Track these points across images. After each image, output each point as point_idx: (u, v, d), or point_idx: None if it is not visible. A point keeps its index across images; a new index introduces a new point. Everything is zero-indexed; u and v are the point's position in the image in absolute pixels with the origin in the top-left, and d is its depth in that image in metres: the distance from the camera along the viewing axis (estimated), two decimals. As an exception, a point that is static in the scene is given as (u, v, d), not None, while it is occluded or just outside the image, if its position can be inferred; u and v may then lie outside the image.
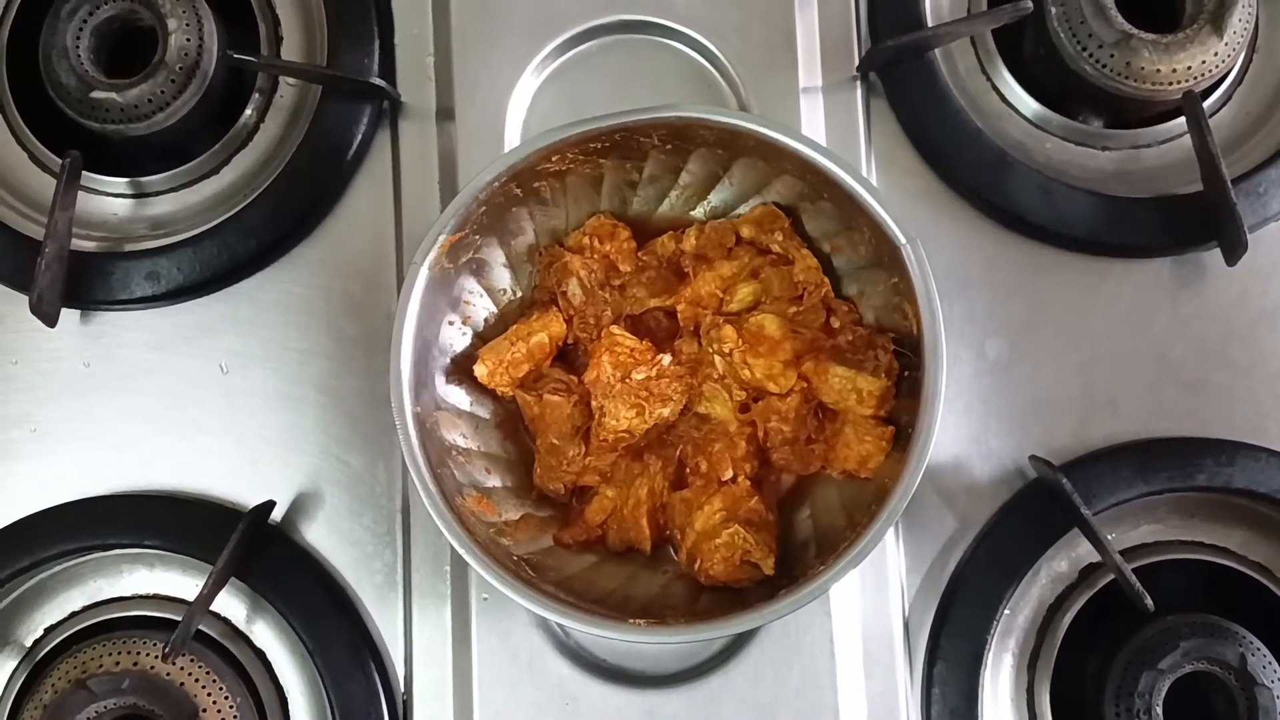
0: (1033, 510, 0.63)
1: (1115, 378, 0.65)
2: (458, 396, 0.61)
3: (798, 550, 0.59)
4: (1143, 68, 0.63)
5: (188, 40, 0.65)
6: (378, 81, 0.67)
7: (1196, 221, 0.64)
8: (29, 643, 0.66)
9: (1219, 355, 0.65)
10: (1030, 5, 0.64)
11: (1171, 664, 0.59)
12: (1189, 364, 0.65)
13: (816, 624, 0.61)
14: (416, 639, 0.64)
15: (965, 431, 0.65)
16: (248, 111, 0.70)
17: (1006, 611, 0.63)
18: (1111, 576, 0.61)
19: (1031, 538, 0.63)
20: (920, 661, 0.63)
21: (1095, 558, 0.64)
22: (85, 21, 0.66)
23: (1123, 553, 0.61)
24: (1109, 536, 0.60)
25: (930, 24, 0.68)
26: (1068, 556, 0.65)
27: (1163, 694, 0.59)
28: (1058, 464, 0.63)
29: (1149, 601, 0.58)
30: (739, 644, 0.62)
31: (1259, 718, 0.58)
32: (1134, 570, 0.59)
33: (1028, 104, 0.69)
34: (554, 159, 0.58)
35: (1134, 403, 0.65)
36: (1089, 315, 0.66)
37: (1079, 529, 0.61)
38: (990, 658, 0.63)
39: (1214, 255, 0.65)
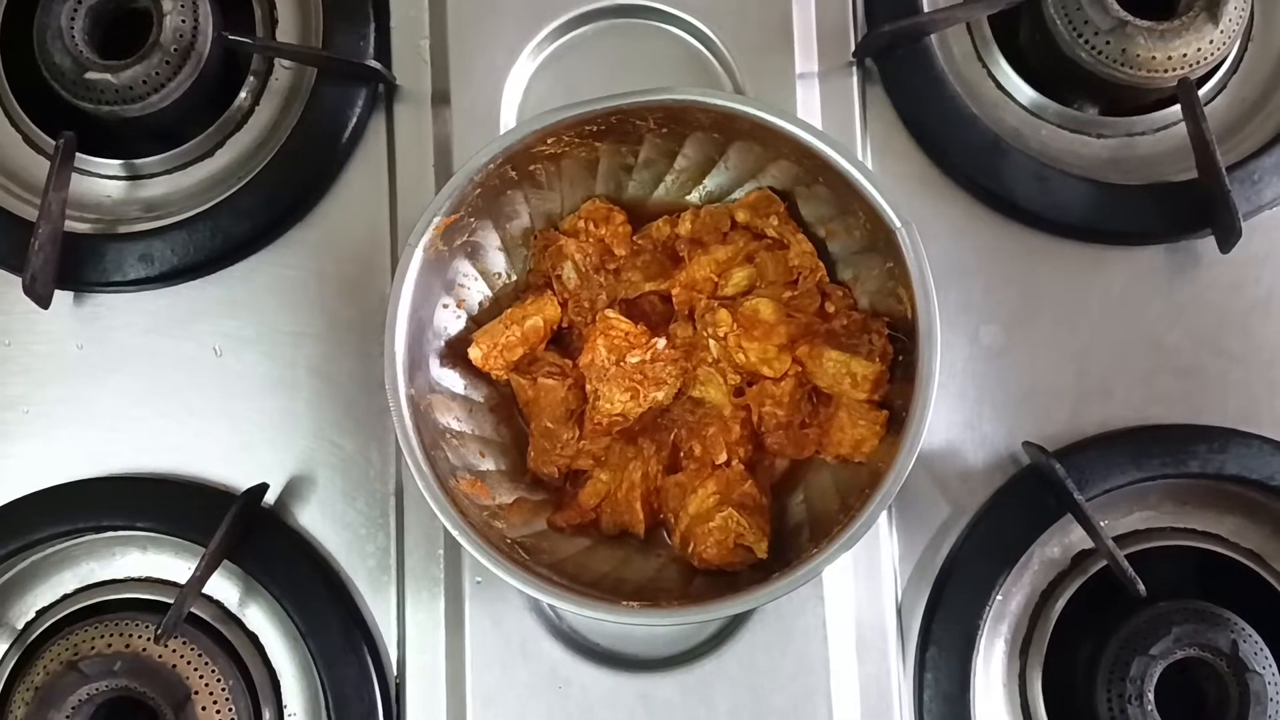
0: (1026, 496, 0.63)
1: (1109, 364, 0.65)
2: (452, 380, 0.61)
3: (791, 534, 0.59)
4: (1138, 55, 0.63)
5: (183, 21, 0.65)
6: (373, 64, 0.67)
7: (1191, 209, 0.65)
8: (20, 625, 0.66)
9: (1213, 342, 0.65)
10: (1026, -9, 0.64)
11: (1163, 650, 0.59)
12: (1183, 351, 0.65)
13: (809, 608, 0.61)
14: (409, 622, 0.64)
15: (959, 417, 0.65)
16: (242, 94, 0.70)
17: (999, 597, 0.63)
18: (1104, 562, 0.61)
19: (1024, 523, 0.63)
20: (913, 646, 0.63)
21: (1088, 544, 0.64)
22: (80, 2, 0.65)
23: (1115, 539, 0.61)
24: (1102, 523, 0.60)
25: (926, 9, 0.68)
26: (1060, 543, 0.65)
27: (1154, 680, 0.59)
28: (1051, 450, 0.63)
29: (1141, 587, 0.58)
30: (732, 627, 0.62)
31: (1250, 703, 0.58)
32: (1126, 556, 0.59)
33: (1023, 91, 0.69)
34: (549, 142, 0.58)
35: (1127, 389, 0.65)
36: (1083, 302, 0.66)
37: (1072, 515, 0.61)
38: (982, 643, 0.63)
39: (1208, 243, 0.65)
